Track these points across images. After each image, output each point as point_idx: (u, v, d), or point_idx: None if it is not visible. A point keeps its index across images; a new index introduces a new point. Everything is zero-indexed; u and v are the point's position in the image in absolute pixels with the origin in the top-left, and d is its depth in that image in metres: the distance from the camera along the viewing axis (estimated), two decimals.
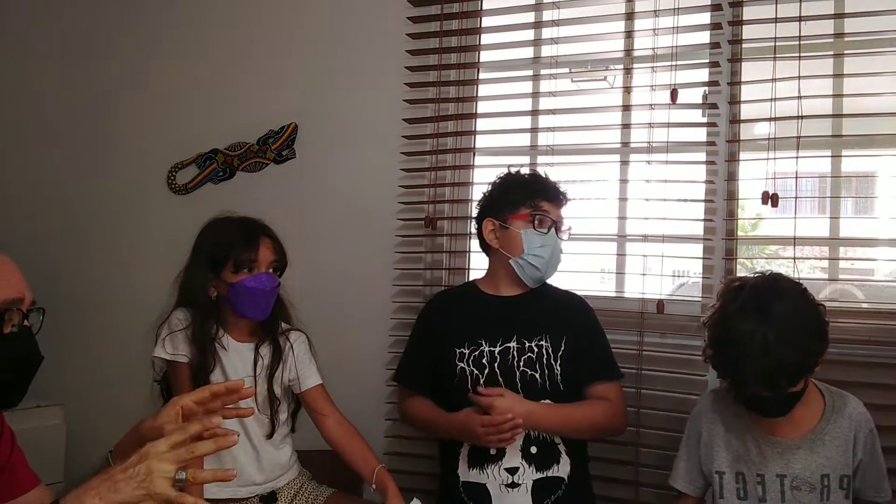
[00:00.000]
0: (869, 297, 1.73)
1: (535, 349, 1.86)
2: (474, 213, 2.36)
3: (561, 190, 1.93)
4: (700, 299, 2.11)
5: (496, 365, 1.86)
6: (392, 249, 2.40)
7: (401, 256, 2.40)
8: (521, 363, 1.85)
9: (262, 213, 1.93)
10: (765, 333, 1.42)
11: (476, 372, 1.87)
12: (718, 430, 1.65)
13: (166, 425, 1.15)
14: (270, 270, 1.83)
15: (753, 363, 1.43)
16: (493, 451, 1.81)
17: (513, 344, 1.87)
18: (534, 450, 1.82)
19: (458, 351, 1.89)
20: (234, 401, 1.21)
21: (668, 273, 2.16)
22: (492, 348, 1.88)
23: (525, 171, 1.99)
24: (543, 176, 1.96)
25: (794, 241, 1.94)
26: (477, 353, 1.88)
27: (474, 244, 2.38)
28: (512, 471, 1.80)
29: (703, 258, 2.10)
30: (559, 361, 1.85)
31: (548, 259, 1.88)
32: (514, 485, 1.80)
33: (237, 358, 1.85)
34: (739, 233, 2.10)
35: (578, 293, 2.02)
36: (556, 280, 2.01)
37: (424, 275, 2.39)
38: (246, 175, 2.61)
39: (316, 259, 2.43)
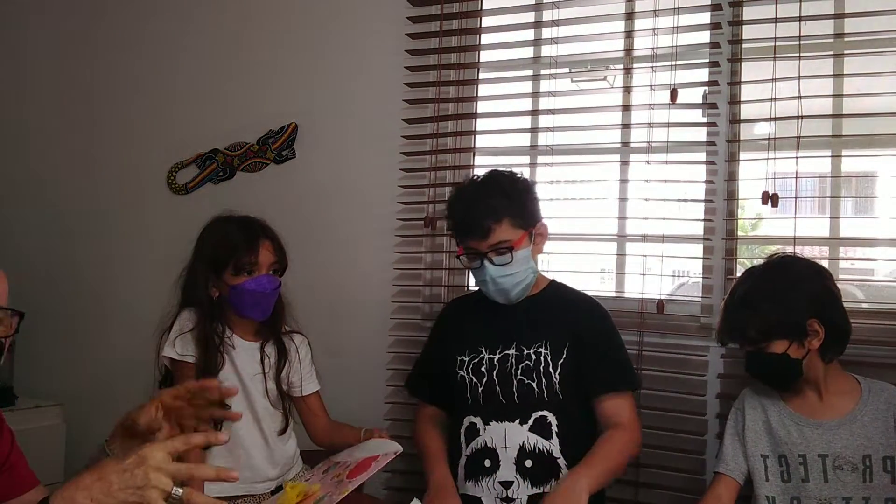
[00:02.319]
0: (869, 297, 1.73)
1: (534, 357, 1.78)
2: None
3: (479, 220, 1.72)
4: (700, 299, 2.11)
5: (494, 373, 1.80)
6: (392, 249, 2.40)
7: (400, 256, 2.40)
8: (519, 371, 1.78)
9: (262, 213, 1.93)
10: (748, 286, 1.62)
11: (475, 381, 1.81)
12: (760, 416, 1.70)
13: (141, 417, 1.18)
14: (271, 272, 1.84)
15: (730, 310, 1.63)
16: (487, 463, 1.74)
17: (512, 351, 1.80)
18: (528, 463, 1.72)
19: (458, 358, 1.85)
20: (215, 396, 1.22)
21: (668, 273, 2.16)
22: (491, 356, 1.82)
23: (456, 194, 1.83)
24: (466, 204, 1.78)
25: (794, 241, 1.94)
26: (476, 360, 1.82)
27: None
28: (506, 484, 1.72)
29: (703, 258, 2.10)
30: (558, 370, 1.76)
31: (491, 290, 1.79)
32: (508, 499, 1.71)
33: (245, 356, 1.87)
34: (739, 233, 2.10)
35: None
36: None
37: (424, 275, 2.39)
38: (246, 175, 2.61)
39: (316, 259, 2.43)
